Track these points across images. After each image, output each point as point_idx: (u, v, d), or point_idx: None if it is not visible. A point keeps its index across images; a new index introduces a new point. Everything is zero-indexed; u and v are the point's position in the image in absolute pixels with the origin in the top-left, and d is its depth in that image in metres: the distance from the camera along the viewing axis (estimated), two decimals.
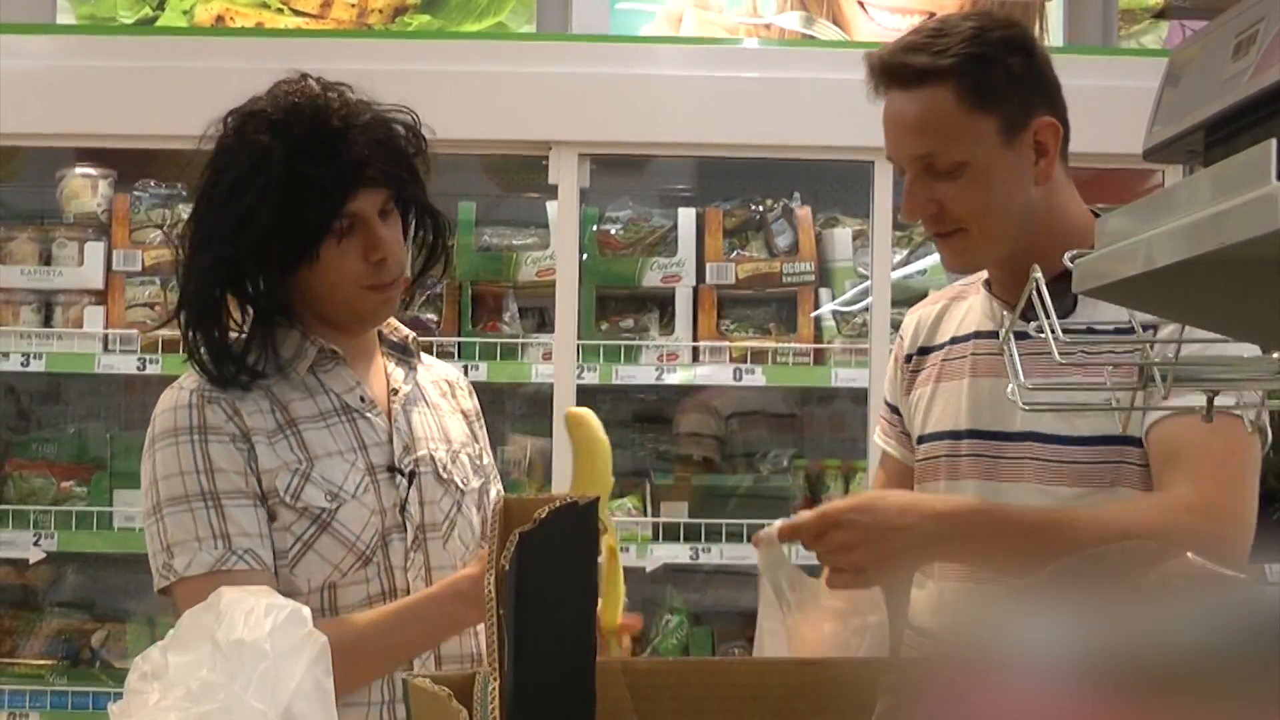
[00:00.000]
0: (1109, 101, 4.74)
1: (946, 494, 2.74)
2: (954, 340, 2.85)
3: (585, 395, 4.91)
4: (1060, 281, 2.64)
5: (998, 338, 2.71)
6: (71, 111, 4.77)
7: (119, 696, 4.68)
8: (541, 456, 5.24)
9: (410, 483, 2.72)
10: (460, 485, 2.80)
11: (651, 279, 5.06)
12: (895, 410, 2.99)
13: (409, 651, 2.66)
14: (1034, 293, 1.90)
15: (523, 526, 1.36)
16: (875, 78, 2.68)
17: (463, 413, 2.95)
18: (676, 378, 5.00)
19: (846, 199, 5.18)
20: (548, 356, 4.91)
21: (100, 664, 5.07)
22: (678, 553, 4.90)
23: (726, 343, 4.98)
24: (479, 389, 5.18)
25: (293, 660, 1.92)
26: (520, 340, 5.01)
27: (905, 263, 5.16)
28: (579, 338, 4.89)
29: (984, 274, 2.86)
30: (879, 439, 3.07)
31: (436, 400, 2.89)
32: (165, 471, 2.61)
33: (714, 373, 4.97)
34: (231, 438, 2.62)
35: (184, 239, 2.70)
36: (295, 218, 2.60)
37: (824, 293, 5.11)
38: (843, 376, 4.97)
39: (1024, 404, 1.92)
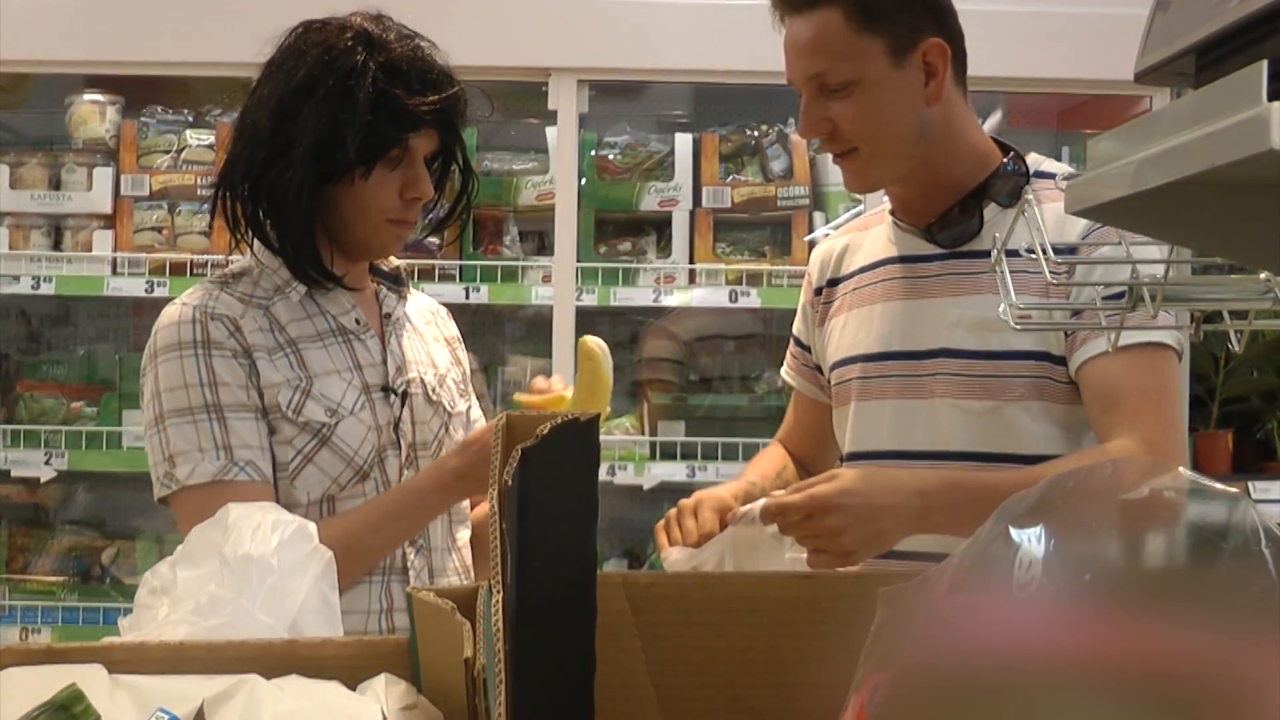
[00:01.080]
0: (1099, 28, 4.74)
1: (857, 416, 2.79)
2: (861, 269, 2.88)
3: (584, 317, 4.93)
4: (971, 200, 2.71)
5: (905, 263, 2.79)
6: (80, 39, 4.75)
7: (129, 612, 4.71)
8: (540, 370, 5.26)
9: (403, 402, 2.75)
10: (448, 408, 2.85)
11: (649, 203, 5.05)
12: (805, 347, 3.03)
13: (397, 543, 2.70)
14: (1023, 216, 1.87)
15: (525, 442, 1.35)
16: (773, 5, 2.71)
17: (445, 340, 2.98)
18: (673, 300, 5.00)
19: None
20: (547, 279, 4.92)
21: (110, 580, 5.10)
22: (674, 471, 4.91)
23: (722, 265, 4.97)
24: (480, 311, 5.25)
25: (299, 574, 1.92)
26: (520, 263, 5.00)
27: None
28: (578, 261, 4.90)
29: (886, 203, 2.90)
30: (786, 374, 3.12)
31: (421, 328, 2.92)
32: (169, 384, 2.63)
33: (710, 295, 4.97)
34: (234, 353, 2.64)
35: (259, 134, 2.69)
36: (368, 135, 2.63)
37: (818, 216, 5.10)
38: None
39: (1015, 323, 1.90)
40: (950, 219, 2.73)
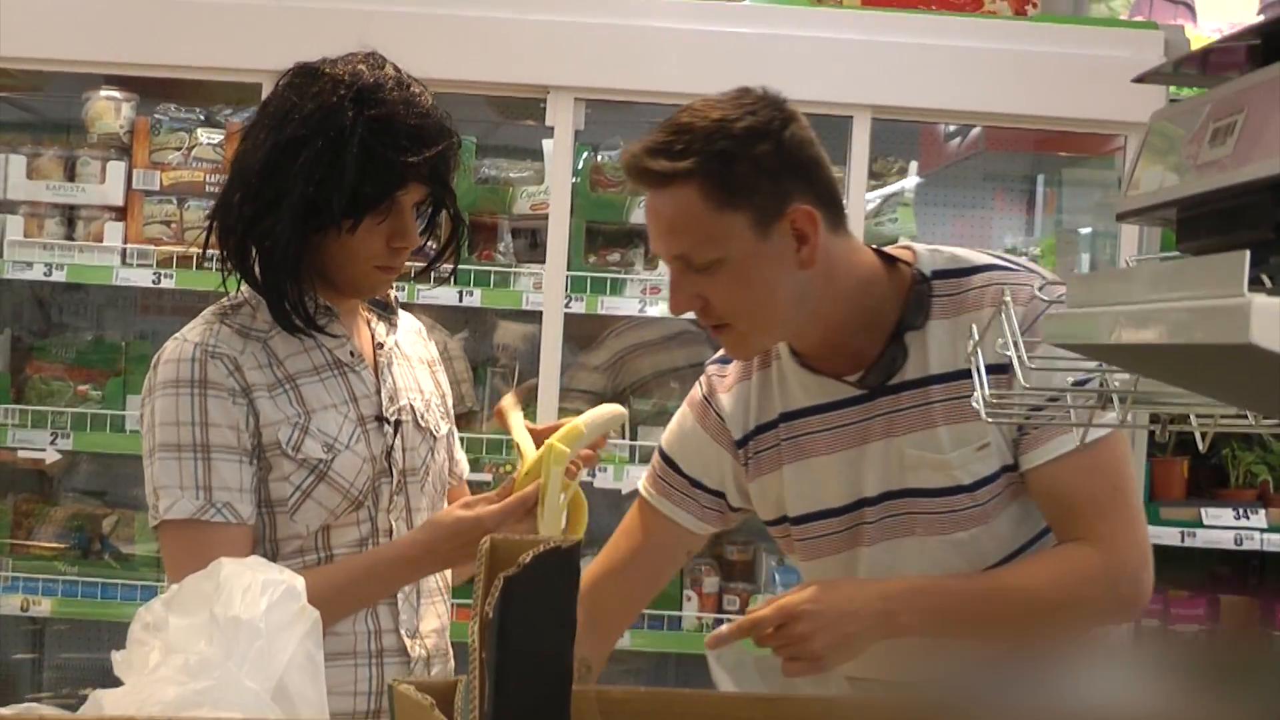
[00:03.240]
0: (1076, 68, 4.72)
1: (850, 565, 2.63)
2: (785, 416, 2.66)
3: (572, 322, 4.91)
4: (887, 342, 2.53)
5: (840, 408, 2.59)
6: (98, 40, 4.73)
7: (126, 588, 4.69)
8: (526, 342, 5.30)
9: (396, 431, 2.72)
10: (434, 432, 2.81)
11: (639, 216, 4.98)
12: (694, 482, 2.78)
13: (361, 606, 2.65)
14: (1002, 319, 1.84)
15: (507, 571, 1.32)
16: (628, 177, 2.51)
17: (428, 362, 2.94)
18: (658, 310, 4.97)
19: (825, 149, 5.11)
20: (538, 286, 4.89)
21: (110, 553, 5.07)
22: None
23: None
24: (473, 314, 5.22)
25: (286, 634, 1.90)
26: (513, 270, 4.98)
27: (878, 210, 5.14)
28: (568, 269, 4.86)
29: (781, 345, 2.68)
30: (650, 494, 2.82)
31: (408, 352, 2.87)
32: (163, 419, 2.60)
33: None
34: (231, 393, 2.59)
35: (249, 187, 2.64)
36: (356, 189, 2.57)
37: None
38: None
39: (987, 416, 1.87)
40: (875, 365, 2.55)
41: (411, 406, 2.77)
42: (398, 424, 2.72)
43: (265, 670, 1.84)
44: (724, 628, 2.40)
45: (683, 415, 2.82)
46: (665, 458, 2.81)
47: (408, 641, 2.70)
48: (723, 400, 2.73)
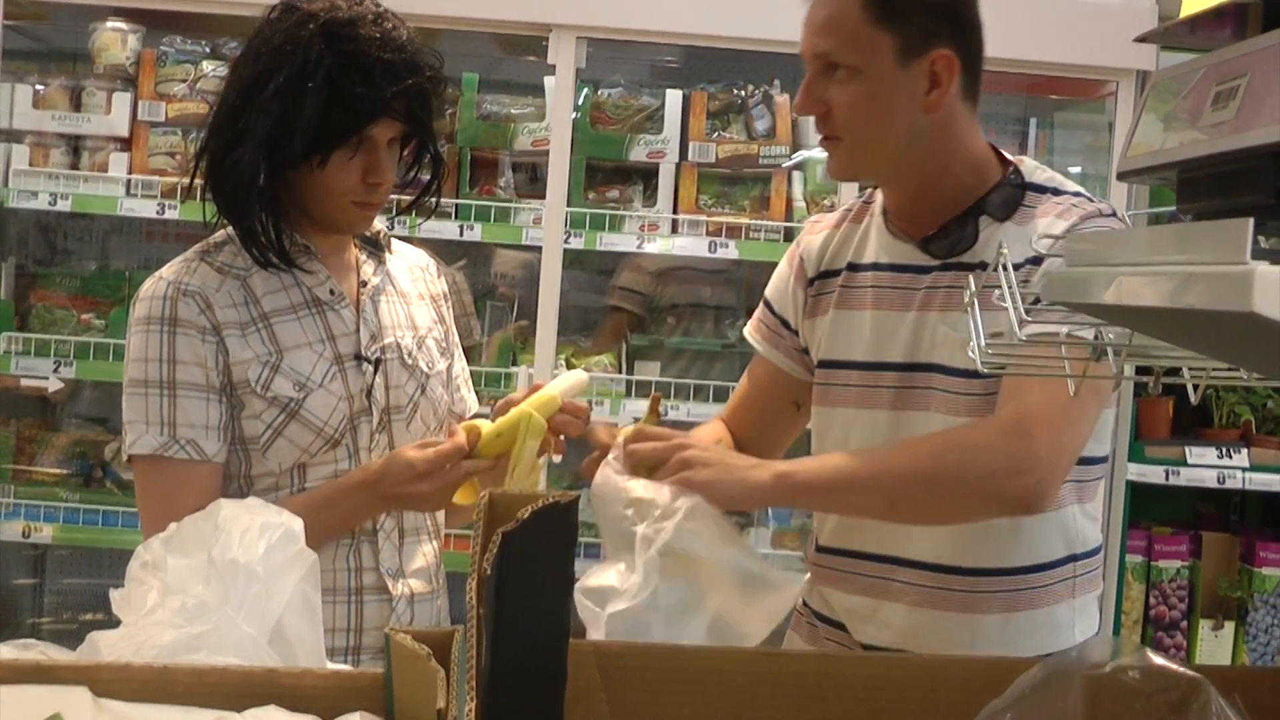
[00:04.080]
0: (1068, 12, 4.67)
1: (851, 422, 2.67)
2: (851, 267, 2.74)
3: (571, 257, 4.89)
4: (967, 214, 2.60)
5: (897, 271, 2.66)
6: None
7: (128, 514, 4.65)
8: (525, 269, 5.29)
9: (376, 370, 2.69)
10: (425, 369, 2.78)
11: (638, 154, 4.98)
12: (782, 321, 2.86)
13: (329, 533, 2.61)
14: (1000, 268, 1.81)
15: (505, 525, 1.30)
16: None
17: (431, 297, 2.90)
18: (655, 247, 4.94)
19: None
20: (538, 221, 4.85)
21: (111, 480, 5.05)
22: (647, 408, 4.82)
23: (704, 217, 4.91)
24: (473, 249, 5.18)
25: (283, 577, 1.87)
26: (513, 205, 4.93)
27: None
28: (568, 205, 4.82)
29: (879, 198, 2.76)
30: (751, 336, 2.94)
31: (406, 288, 2.84)
32: (135, 355, 2.61)
33: (691, 244, 4.90)
34: (201, 331, 2.58)
35: (219, 121, 2.63)
36: (322, 124, 2.55)
37: (796, 175, 5.02)
38: None
39: (983, 365, 1.84)
40: (945, 232, 2.61)
41: (398, 343, 2.73)
42: (378, 362, 2.69)
43: (263, 614, 1.82)
44: (620, 438, 2.39)
45: (783, 261, 2.90)
46: (765, 300, 2.91)
47: (389, 581, 2.67)
48: (809, 241, 2.83)
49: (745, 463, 2.42)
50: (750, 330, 2.93)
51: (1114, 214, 2.58)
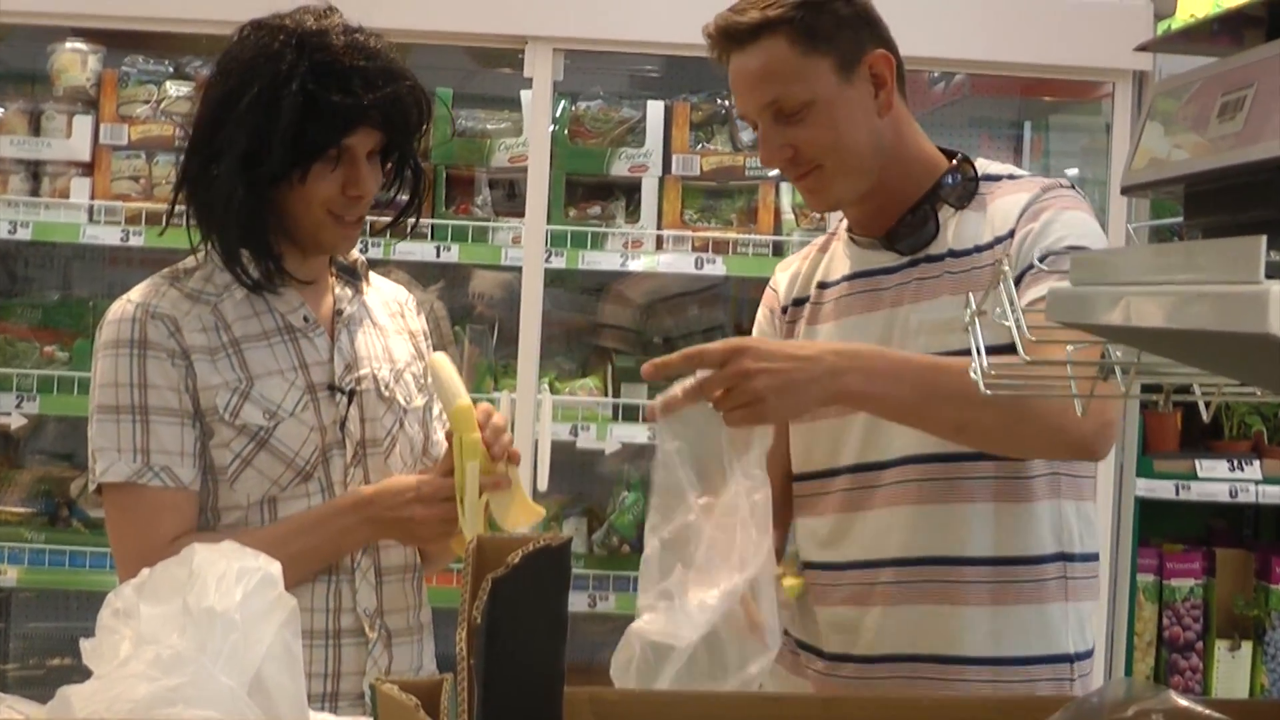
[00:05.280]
0: (1063, 14, 4.67)
1: (832, 433, 2.73)
2: (821, 285, 2.84)
3: (553, 277, 4.88)
4: (925, 205, 2.71)
5: (865, 276, 2.76)
6: None
7: (96, 555, 4.61)
8: (504, 290, 5.23)
9: (350, 400, 2.69)
10: (403, 403, 2.78)
11: (619, 168, 4.97)
12: None
13: (311, 561, 2.61)
14: (1000, 285, 1.80)
15: (495, 572, 1.29)
16: (714, 45, 2.69)
17: (410, 332, 2.91)
18: (640, 265, 4.93)
19: None
20: (518, 240, 4.83)
21: (79, 519, 5.00)
22: (636, 433, 4.84)
23: (690, 232, 4.90)
24: (450, 270, 5.16)
25: (263, 625, 1.87)
26: (492, 224, 4.92)
27: None
28: (548, 223, 4.80)
29: (843, 222, 2.87)
30: None
31: (384, 321, 2.85)
32: (103, 380, 2.61)
33: (676, 261, 4.89)
34: (170, 355, 2.59)
35: (196, 141, 2.65)
36: (300, 135, 2.56)
37: (784, 187, 5.00)
38: None
39: (985, 388, 1.83)
40: (906, 226, 2.72)
41: (375, 375, 2.73)
42: (353, 393, 2.69)
43: (241, 664, 1.81)
44: (675, 389, 2.37)
45: (761, 304, 3.00)
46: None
47: (365, 621, 2.66)
48: (779, 278, 2.97)
49: (811, 369, 2.38)
50: None
51: (1073, 187, 2.71)
